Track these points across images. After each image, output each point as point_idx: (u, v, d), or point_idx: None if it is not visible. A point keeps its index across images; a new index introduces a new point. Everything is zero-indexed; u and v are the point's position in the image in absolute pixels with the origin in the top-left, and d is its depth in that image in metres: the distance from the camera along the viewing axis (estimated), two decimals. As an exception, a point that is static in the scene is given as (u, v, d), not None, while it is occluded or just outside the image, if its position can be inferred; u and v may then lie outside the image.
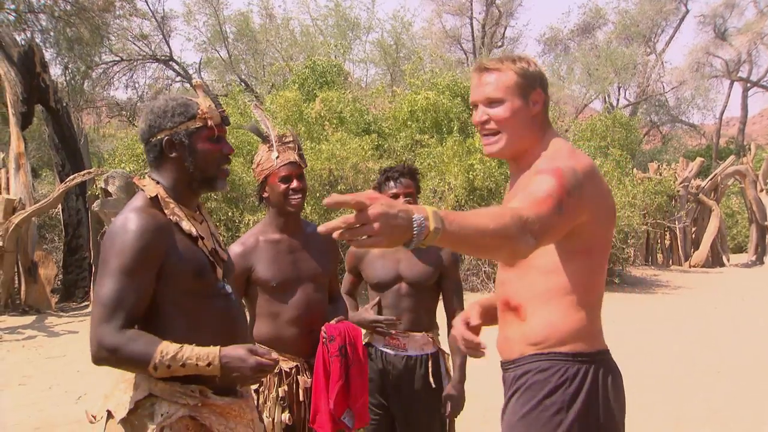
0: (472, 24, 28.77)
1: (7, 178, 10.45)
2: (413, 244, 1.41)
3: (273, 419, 2.59)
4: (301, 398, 2.63)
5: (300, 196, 2.67)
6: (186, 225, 1.98)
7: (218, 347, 1.87)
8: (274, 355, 2.11)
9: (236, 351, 1.88)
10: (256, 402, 2.50)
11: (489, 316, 2.13)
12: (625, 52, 27.28)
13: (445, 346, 3.09)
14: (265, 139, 2.71)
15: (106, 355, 1.82)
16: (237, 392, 2.07)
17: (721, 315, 10.58)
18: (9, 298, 9.72)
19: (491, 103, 1.91)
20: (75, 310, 10.44)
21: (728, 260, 20.03)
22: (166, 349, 1.82)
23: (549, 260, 1.86)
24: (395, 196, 3.02)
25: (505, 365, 1.98)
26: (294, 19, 24.51)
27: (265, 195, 2.70)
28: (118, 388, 1.97)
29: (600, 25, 30.89)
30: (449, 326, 3.09)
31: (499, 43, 29.33)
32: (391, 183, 3.05)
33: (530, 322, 1.91)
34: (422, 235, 1.40)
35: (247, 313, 2.64)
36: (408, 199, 3.03)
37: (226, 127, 2.12)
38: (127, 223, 1.89)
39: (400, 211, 1.39)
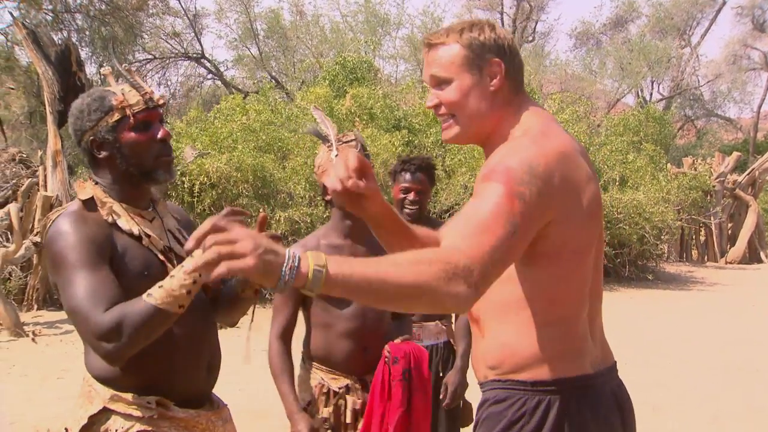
0: (502, 19, 28.52)
1: (45, 176, 10.65)
2: (281, 286, 1.18)
3: None
4: (348, 419, 2.43)
5: None
6: (124, 223, 1.81)
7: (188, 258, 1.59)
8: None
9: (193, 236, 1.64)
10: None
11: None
12: (659, 45, 26.83)
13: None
14: (326, 139, 2.46)
15: (113, 342, 1.63)
16: (209, 402, 1.93)
17: (758, 312, 10.37)
18: (47, 294, 9.91)
19: (440, 83, 1.62)
20: (110, 305, 10.61)
21: (766, 256, 19.62)
22: (150, 291, 1.64)
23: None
24: (407, 191, 3.00)
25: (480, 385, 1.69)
26: (324, 16, 24.60)
27: (329, 197, 2.46)
28: (77, 404, 1.85)
29: (633, 19, 30.41)
30: (456, 315, 3.09)
31: (530, 38, 29.05)
32: (407, 175, 3.00)
33: (487, 340, 1.61)
34: (294, 276, 1.18)
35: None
36: (419, 197, 3.00)
37: (159, 110, 1.86)
38: (60, 227, 1.75)
39: (271, 245, 1.19)
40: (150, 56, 22.47)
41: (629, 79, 26.63)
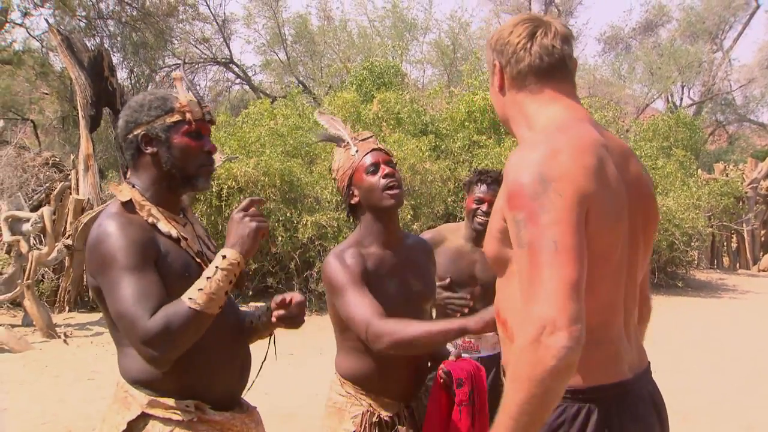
0: (530, 23, 28.38)
1: (77, 179, 10.83)
2: None
3: None
4: None
5: (397, 185, 2.18)
6: (164, 226, 1.85)
7: (226, 249, 1.76)
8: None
9: (230, 232, 1.79)
10: None
11: None
12: (690, 50, 26.47)
13: None
14: (339, 140, 2.31)
15: (159, 347, 1.67)
16: (239, 406, 1.96)
17: (792, 322, 10.16)
18: (78, 296, 10.07)
19: None
20: (139, 307, 10.72)
21: (799, 265, 19.21)
22: (191, 295, 1.70)
23: None
24: (480, 201, 3.04)
25: None
26: (351, 21, 24.67)
27: (355, 200, 2.23)
28: (111, 409, 1.85)
29: (663, 23, 30.03)
30: None
31: (558, 42, 28.84)
32: (483, 187, 3.05)
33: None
34: None
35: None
36: (491, 209, 3.00)
37: (211, 126, 1.96)
38: (106, 229, 1.77)
39: None
40: (179, 61, 22.74)
41: (659, 83, 26.30)
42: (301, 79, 23.10)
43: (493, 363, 2.93)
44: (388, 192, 2.18)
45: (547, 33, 1.63)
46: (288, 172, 10.53)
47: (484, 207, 3.02)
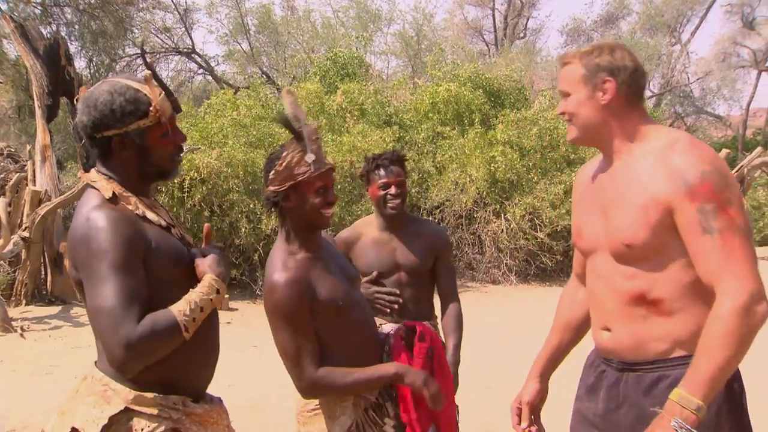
0: (494, 15, 28.52)
1: (34, 170, 10.59)
2: None
3: None
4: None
5: (332, 210, 2.21)
6: (153, 216, 1.87)
7: (208, 275, 1.84)
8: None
9: (215, 262, 1.87)
10: None
11: (556, 359, 2.28)
12: (650, 42, 26.91)
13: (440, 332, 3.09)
14: (298, 135, 2.15)
15: (138, 355, 1.67)
16: (210, 398, 1.98)
17: None
18: (35, 289, 9.86)
19: (565, 95, 2.01)
20: (100, 301, 10.55)
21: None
22: (179, 308, 1.73)
23: (685, 253, 1.80)
24: (386, 186, 2.98)
25: (632, 365, 1.91)
26: (315, 11, 24.57)
27: (289, 205, 2.17)
28: (84, 403, 1.80)
29: (624, 16, 30.46)
30: (444, 310, 3.10)
31: (522, 35, 29.06)
32: (382, 171, 2.98)
33: (676, 320, 1.84)
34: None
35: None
36: (401, 189, 2.99)
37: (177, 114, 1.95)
38: (95, 223, 1.74)
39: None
40: (140, 50, 22.32)
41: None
42: (264, 69, 22.89)
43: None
44: (326, 214, 2.18)
45: (639, 60, 1.97)
46: (251, 163, 10.44)
47: (392, 190, 2.96)
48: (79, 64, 18.55)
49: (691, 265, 1.79)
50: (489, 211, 11.89)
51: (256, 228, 10.02)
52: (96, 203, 1.80)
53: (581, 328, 2.23)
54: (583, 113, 1.96)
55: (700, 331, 1.75)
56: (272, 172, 2.17)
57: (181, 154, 1.97)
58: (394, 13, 24.39)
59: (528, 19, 29.68)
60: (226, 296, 2.02)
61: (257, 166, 10.57)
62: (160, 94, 1.85)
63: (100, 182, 1.84)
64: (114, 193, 1.83)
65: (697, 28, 30.10)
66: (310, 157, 2.12)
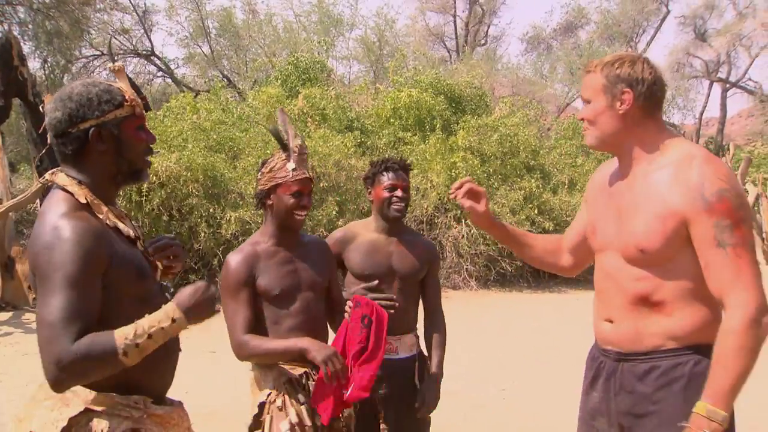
0: (455, 22, 28.78)
1: (-16, 173, 10.29)
2: None
3: (305, 424, 2.51)
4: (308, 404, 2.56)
5: (305, 213, 2.63)
6: (123, 227, 1.84)
7: (169, 302, 1.77)
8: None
9: (186, 292, 1.78)
10: (271, 407, 2.51)
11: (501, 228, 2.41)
12: (607, 51, 27.45)
13: (423, 346, 3.08)
14: (285, 147, 2.63)
15: (69, 374, 1.64)
16: (170, 401, 1.98)
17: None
18: (-15, 295, 9.58)
19: (586, 102, 2.11)
20: (53, 307, 10.29)
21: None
22: (124, 332, 1.67)
23: (694, 261, 1.94)
24: (393, 188, 2.97)
25: (628, 356, 2.06)
26: (277, 15, 24.43)
27: (270, 202, 2.63)
28: (42, 407, 1.77)
29: (582, 25, 31.04)
30: (431, 323, 3.09)
31: (483, 42, 29.37)
32: (391, 174, 2.98)
33: (675, 318, 1.99)
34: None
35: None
36: (406, 193, 2.99)
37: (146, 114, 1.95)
38: (61, 232, 1.69)
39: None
40: (98, 52, 21.94)
41: (578, 84, 27.10)
42: (225, 73, 22.70)
43: (411, 363, 2.98)
44: (297, 216, 2.61)
45: (658, 72, 2.05)
46: (211, 167, 10.32)
47: (398, 193, 2.95)
48: (33, 64, 18.16)
49: (695, 272, 1.94)
50: (450, 217, 11.95)
51: (216, 233, 9.90)
52: (64, 210, 1.74)
53: (526, 245, 2.48)
54: (602, 121, 2.07)
55: (695, 328, 1.96)
56: (260, 173, 2.66)
57: (150, 156, 1.94)
58: (356, 18, 24.50)
59: (489, 27, 30.03)
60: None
61: (217, 170, 10.46)
62: (129, 90, 1.86)
63: (72, 187, 1.79)
64: (87, 199, 1.79)
65: (652, 38, 30.89)
66: (290, 166, 2.60)
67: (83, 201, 1.77)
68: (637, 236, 2.00)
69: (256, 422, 2.55)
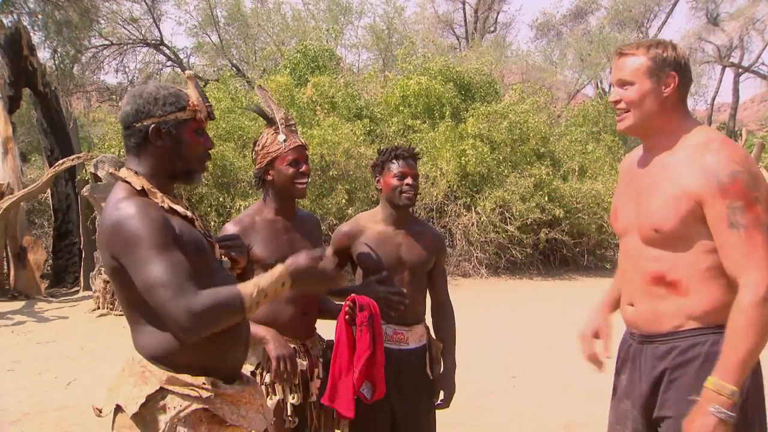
0: (464, 9, 28.60)
1: (-4, 163, 10.35)
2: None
3: (284, 400, 2.60)
4: (296, 381, 2.63)
5: (306, 180, 2.68)
6: (180, 208, 1.98)
7: (282, 266, 1.89)
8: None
9: (298, 261, 1.91)
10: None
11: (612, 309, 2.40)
12: (618, 37, 27.21)
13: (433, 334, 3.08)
14: (271, 121, 2.69)
15: (201, 321, 1.76)
16: (244, 379, 2.08)
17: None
18: (-2, 284, 9.67)
19: (624, 84, 2.10)
20: (65, 296, 10.39)
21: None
22: (247, 288, 1.82)
23: (710, 242, 1.98)
24: (403, 176, 2.93)
25: (650, 338, 2.10)
26: (285, 4, 24.38)
27: (269, 177, 2.68)
28: (127, 382, 1.93)
29: (593, 11, 30.77)
30: (439, 314, 3.09)
31: (492, 29, 29.18)
32: (401, 161, 2.94)
33: (692, 299, 2.03)
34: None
35: None
36: (416, 181, 2.96)
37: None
38: (127, 210, 1.84)
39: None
40: (107, 42, 21.96)
41: (589, 70, 26.97)
42: (234, 62, 22.66)
43: (421, 353, 2.97)
44: (299, 184, 2.67)
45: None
46: (221, 156, 10.33)
47: (409, 180, 2.92)
48: (43, 54, 18.20)
49: (710, 253, 1.98)
50: (459, 205, 11.93)
51: (225, 221, 9.90)
52: (123, 195, 1.90)
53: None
54: (647, 104, 2.08)
55: (712, 308, 1.99)
56: (254, 153, 2.72)
57: (208, 162, 2.09)
58: (364, 5, 24.43)
59: (498, 13, 29.81)
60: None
61: (227, 159, 10.47)
62: (198, 96, 2.02)
63: (130, 177, 1.95)
64: (143, 187, 1.93)
65: (663, 23, 30.53)
66: (281, 137, 2.65)
67: (138, 188, 1.92)
68: (653, 216, 2.04)
69: None
